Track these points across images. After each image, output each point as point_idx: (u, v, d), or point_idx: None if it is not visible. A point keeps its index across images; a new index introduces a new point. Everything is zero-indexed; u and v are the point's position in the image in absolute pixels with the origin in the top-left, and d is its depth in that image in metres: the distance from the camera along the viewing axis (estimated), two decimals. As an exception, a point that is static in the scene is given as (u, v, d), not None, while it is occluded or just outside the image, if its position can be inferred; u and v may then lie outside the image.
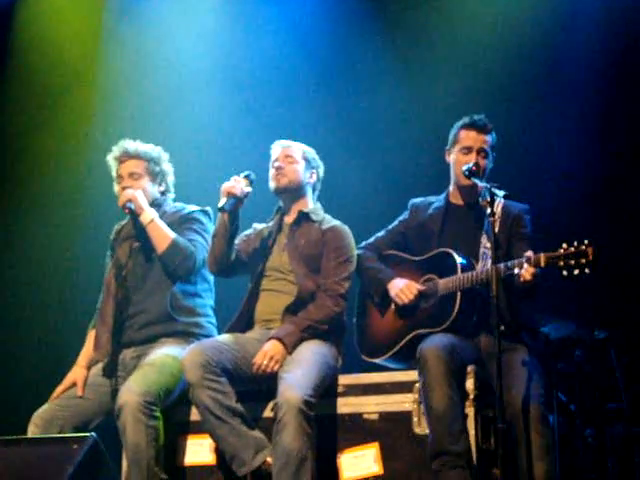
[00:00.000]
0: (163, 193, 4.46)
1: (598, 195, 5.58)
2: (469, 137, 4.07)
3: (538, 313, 4.49)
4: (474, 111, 4.17)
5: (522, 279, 3.65)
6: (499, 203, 4.00)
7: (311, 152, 4.34)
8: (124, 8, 6.40)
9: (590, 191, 5.57)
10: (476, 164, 3.93)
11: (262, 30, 6.25)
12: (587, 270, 3.50)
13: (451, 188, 4.20)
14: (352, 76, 6.15)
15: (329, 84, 6.12)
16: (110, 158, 4.43)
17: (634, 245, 5.45)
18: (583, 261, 3.51)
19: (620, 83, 5.60)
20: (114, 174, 4.43)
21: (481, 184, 3.83)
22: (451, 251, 3.96)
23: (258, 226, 4.39)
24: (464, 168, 3.94)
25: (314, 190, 4.35)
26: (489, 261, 3.73)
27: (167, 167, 4.48)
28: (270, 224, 4.35)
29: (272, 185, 4.25)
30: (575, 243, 3.55)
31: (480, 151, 4.05)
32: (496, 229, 3.83)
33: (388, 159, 5.88)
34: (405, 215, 4.29)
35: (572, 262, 3.52)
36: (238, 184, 4.07)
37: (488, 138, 4.09)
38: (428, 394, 3.64)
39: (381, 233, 4.31)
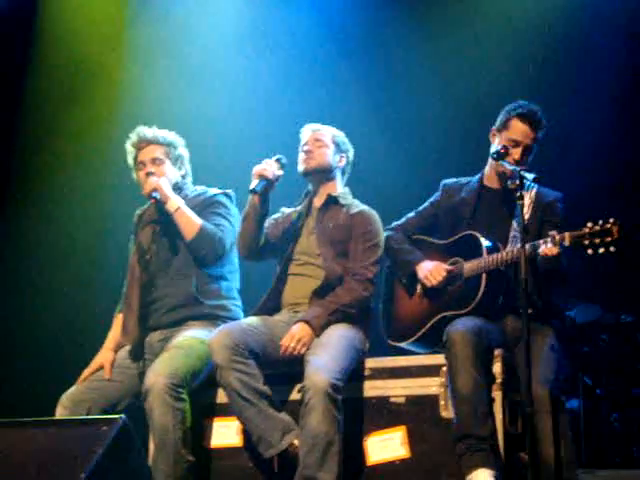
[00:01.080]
0: (183, 177, 4.46)
1: (628, 180, 5.56)
2: (520, 131, 3.93)
3: (565, 297, 4.47)
4: (505, 95, 4.09)
5: (545, 254, 3.60)
6: (532, 189, 3.95)
7: (341, 136, 4.30)
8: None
9: (620, 176, 5.55)
10: (504, 146, 3.88)
11: (292, 15, 6.21)
12: (612, 248, 3.46)
13: (487, 170, 4.14)
14: (383, 56, 6.12)
15: (360, 66, 6.09)
16: (127, 145, 4.41)
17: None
18: (608, 239, 3.47)
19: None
20: (131, 161, 4.42)
21: (510, 167, 3.79)
22: (476, 234, 3.92)
23: (286, 210, 4.37)
24: (492, 150, 3.90)
25: (343, 174, 4.32)
26: (519, 245, 3.68)
27: (183, 151, 4.47)
28: (298, 208, 4.33)
29: (301, 168, 4.22)
30: (600, 221, 3.51)
31: (527, 148, 3.94)
32: (527, 214, 3.79)
33: (418, 140, 5.85)
34: (436, 196, 4.24)
35: (597, 240, 3.49)
36: (270, 167, 4.06)
37: (539, 135, 3.96)
38: (454, 377, 3.63)
39: (411, 214, 4.27)
